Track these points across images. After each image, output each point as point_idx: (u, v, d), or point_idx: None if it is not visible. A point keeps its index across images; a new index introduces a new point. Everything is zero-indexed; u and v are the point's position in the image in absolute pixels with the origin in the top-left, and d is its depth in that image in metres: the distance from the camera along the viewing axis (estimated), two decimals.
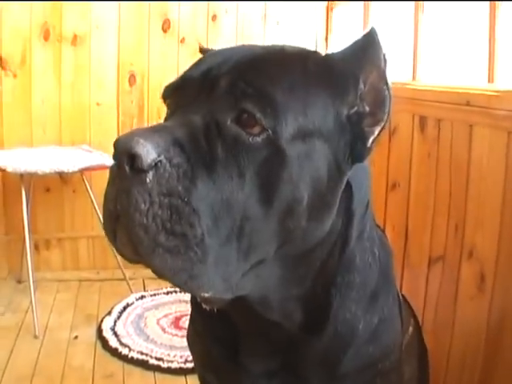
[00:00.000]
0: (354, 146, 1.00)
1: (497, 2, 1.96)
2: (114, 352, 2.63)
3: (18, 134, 3.25)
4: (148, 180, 0.83)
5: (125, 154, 0.83)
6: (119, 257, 3.32)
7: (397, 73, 2.70)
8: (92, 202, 3.06)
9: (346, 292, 1.10)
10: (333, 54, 1.01)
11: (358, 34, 0.96)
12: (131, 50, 3.36)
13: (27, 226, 2.84)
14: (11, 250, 3.31)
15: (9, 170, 2.70)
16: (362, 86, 0.98)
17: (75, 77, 3.29)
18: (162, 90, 1.04)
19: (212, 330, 1.22)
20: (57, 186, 3.36)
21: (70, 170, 2.78)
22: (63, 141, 3.31)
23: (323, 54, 1.04)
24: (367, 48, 0.97)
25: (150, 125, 0.98)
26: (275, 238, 0.95)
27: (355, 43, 0.98)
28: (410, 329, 1.43)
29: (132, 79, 3.38)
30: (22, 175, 2.77)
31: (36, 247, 3.27)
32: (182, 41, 3.40)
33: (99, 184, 3.21)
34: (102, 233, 3.29)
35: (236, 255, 0.91)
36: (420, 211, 2.19)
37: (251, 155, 0.90)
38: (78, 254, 3.50)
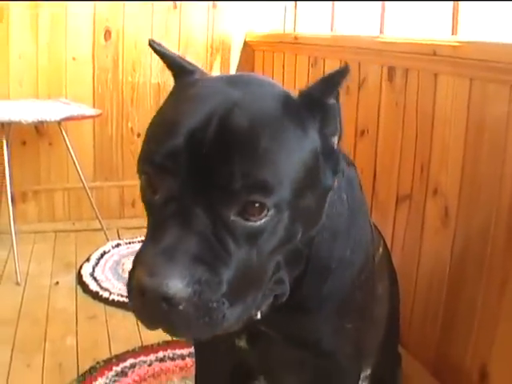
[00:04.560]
0: (330, 162, 1.05)
1: None
2: (95, 295, 2.72)
3: None
4: (183, 308, 0.87)
5: (158, 298, 0.85)
6: (96, 207, 3.33)
7: (366, 27, 2.80)
8: (70, 153, 3.11)
9: (320, 240, 1.15)
10: (303, 90, 1.04)
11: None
12: (107, 6, 3.38)
13: (9, 178, 2.87)
14: None
15: None
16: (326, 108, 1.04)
17: (52, 32, 3.30)
18: (141, 160, 0.98)
19: None
20: (33, 138, 3.39)
21: (53, 120, 2.78)
22: (40, 94, 3.33)
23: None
24: (337, 77, 1.00)
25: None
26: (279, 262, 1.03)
27: (329, 76, 1.01)
28: (380, 249, 1.53)
29: (107, 34, 3.41)
30: (3, 125, 2.77)
31: (12, 200, 3.30)
32: None
33: (75, 136, 3.31)
34: (78, 184, 3.37)
35: (252, 299, 0.98)
36: (387, 155, 2.27)
37: (259, 232, 0.93)
38: (54, 205, 3.54)
